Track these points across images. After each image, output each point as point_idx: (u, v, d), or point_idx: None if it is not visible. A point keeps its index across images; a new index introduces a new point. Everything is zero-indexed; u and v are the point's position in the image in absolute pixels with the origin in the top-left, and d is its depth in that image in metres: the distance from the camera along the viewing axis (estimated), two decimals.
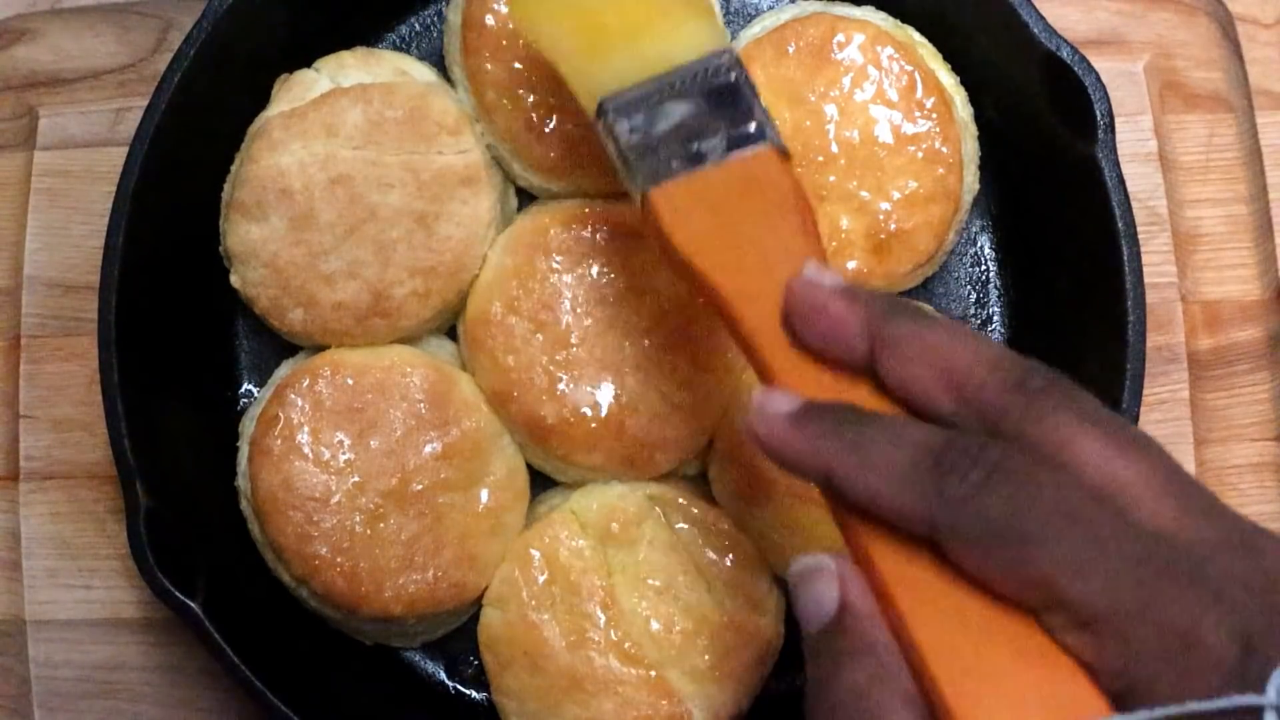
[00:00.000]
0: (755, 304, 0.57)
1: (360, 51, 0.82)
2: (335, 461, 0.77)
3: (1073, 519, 0.45)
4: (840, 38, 0.79)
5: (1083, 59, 0.75)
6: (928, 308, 0.78)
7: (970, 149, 0.81)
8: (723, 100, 0.65)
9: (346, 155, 0.78)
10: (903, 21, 0.82)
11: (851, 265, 0.78)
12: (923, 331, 0.51)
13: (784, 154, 0.64)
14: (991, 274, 0.85)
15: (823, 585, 0.51)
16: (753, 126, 0.64)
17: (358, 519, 0.76)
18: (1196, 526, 0.45)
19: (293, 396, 0.77)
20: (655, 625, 0.76)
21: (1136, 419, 0.74)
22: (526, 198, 0.84)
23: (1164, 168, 0.87)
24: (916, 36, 0.81)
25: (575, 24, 0.68)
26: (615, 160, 0.66)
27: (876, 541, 0.49)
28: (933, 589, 0.47)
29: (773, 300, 0.56)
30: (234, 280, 0.79)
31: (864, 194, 0.78)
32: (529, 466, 0.81)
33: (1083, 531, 0.45)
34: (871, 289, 0.54)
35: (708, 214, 0.62)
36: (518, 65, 0.79)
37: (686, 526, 0.78)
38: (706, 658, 0.76)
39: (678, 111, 0.65)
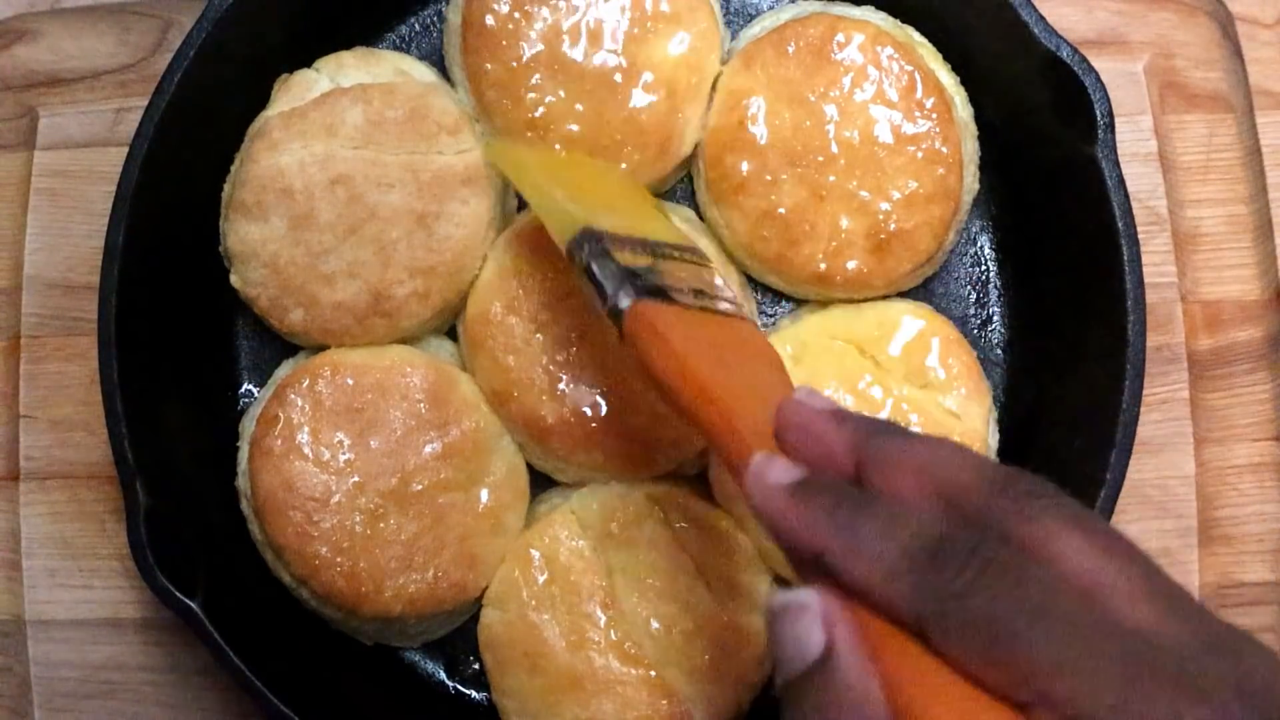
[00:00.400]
0: (747, 417, 0.57)
1: (360, 51, 0.82)
2: (335, 461, 0.77)
3: (1058, 617, 0.45)
4: (840, 38, 0.79)
5: (1083, 59, 0.75)
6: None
7: (970, 149, 0.81)
8: (700, 277, 0.69)
9: (346, 155, 0.78)
10: (903, 21, 0.82)
11: (851, 265, 0.79)
12: (908, 445, 0.52)
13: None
14: (991, 274, 0.85)
15: (806, 624, 0.50)
16: (732, 299, 0.69)
17: (358, 519, 0.76)
18: (1178, 628, 0.46)
19: (293, 396, 0.77)
20: (655, 625, 0.76)
21: (1136, 419, 0.74)
22: None
23: (1164, 168, 0.87)
24: (916, 36, 0.81)
25: (557, 180, 0.72)
26: (592, 275, 0.66)
27: (872, 624, 0.49)
28: (929, 669, 0.47)
29: (763, 417, 0.57)
30: (234, 280, 0.79)
31: (864, 194, 0.78)
32: (529, 466, 0.81)
33: (1067, 629, 0.45)
34: (860, 414, 0.55)
35: (698, 337, 0.63)
36: (518, 65, 0.79)
37: (686, 526, 0.78)
38: (706, 658, 0.76)
39: (660, 262, 0.68)
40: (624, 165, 0.79)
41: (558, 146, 0.79)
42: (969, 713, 0.46)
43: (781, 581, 0.80)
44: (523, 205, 0.84)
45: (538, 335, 0.78)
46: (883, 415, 0.77)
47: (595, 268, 0.66)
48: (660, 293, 0.65)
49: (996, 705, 0.45)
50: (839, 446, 0.53)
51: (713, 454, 0.80)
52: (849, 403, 0.78)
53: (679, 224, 0.80)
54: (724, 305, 0.68)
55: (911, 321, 0.79)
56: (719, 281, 0.72)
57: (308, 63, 0.81)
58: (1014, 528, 0.48)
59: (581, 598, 0.76)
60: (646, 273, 0.66)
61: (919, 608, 0.47)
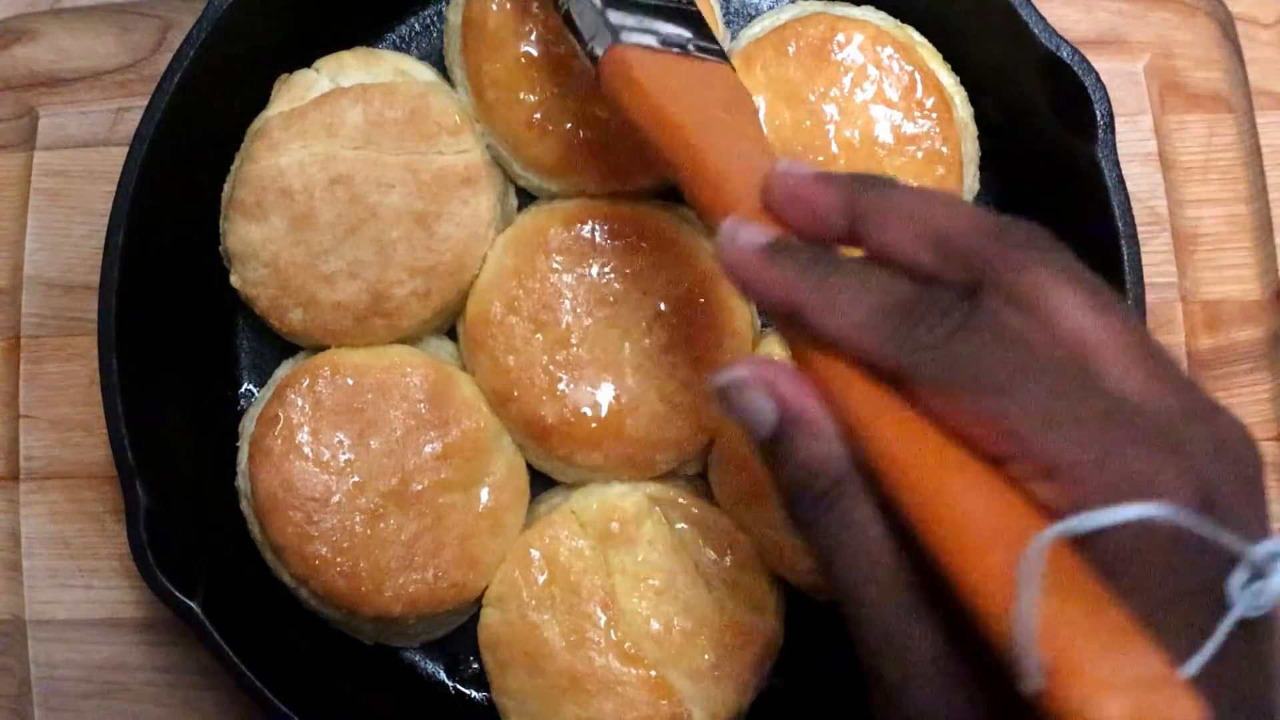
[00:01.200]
0: (732, 176, 0.56)
1: (360, 51, 0.82)
2: (335, 461, 0.77)
3: (1043, 373, 0.45)
4: (840, 38, 0.79)
5: (1083, 59, 0.75)
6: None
7: (970, 149, 0.81)
8: (686, 18, 0.68)
9: (346, 155, 0.78)
10: (903, 21, 0.82)
11: None
12: (900, 196, 0.52)
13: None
14: None
15: (750, 396, 0.51)
16: (716, 45, 0.67)
17: (358, 519, 0.76)
18: (1161, 394, 0.46)
19: (293, 396, 0.77)
20: (655, 625, 0.76)
21: None
22: (526, 198, 0.84)
23: (1164, 168, 0.87)
24: (916, 36, 0.81)
25: None
26: (572, 21, 0.65)
27: (845, 376, 0.49)
28: (901, 417, 0.47)
29: (748, 178, 0.56)
30: (234, 280, 0.79)
31: None
32: (529, 466, 0.81)
33: (1051, 386, 0.45)
34: (846, 172, 0.55)
35: (681, 85, 0.62)
36: (518, 65, 0.79)
37: (686, 526, 0.78)
38: (706, 657, 0.76)
39: (640, 5, 0.66)
40: (621, 166, 0.79)
41: None
42: (939, 455, 0.45)
43: (781, 581, 0.80)
44: (523, 205, 0.84)
45: (538, 335, 0.78)
46: None
47: (574, 12, 0.65)
48: (642, 35, 0.63)
49: (967, 455, 0.45)
50: (830, 206, 0.52)
51: (713, 453, 0.80)
52: None
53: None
54: (707, 51, 0.66)
55: None
56: (700, 22, 0.69)
57: (308, 63, 0.81)
58: (1006, 276, 0.47)
59: (581, 598, 0.76)
60: (627, 16, 0.65)
61: (894, 357, 0.47)
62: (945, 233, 0.50)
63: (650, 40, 0.64)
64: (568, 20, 0.66)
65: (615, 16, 0.65)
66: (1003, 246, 0.49)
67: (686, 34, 0.67)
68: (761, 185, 0.55)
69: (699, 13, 0.70)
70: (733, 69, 0.67)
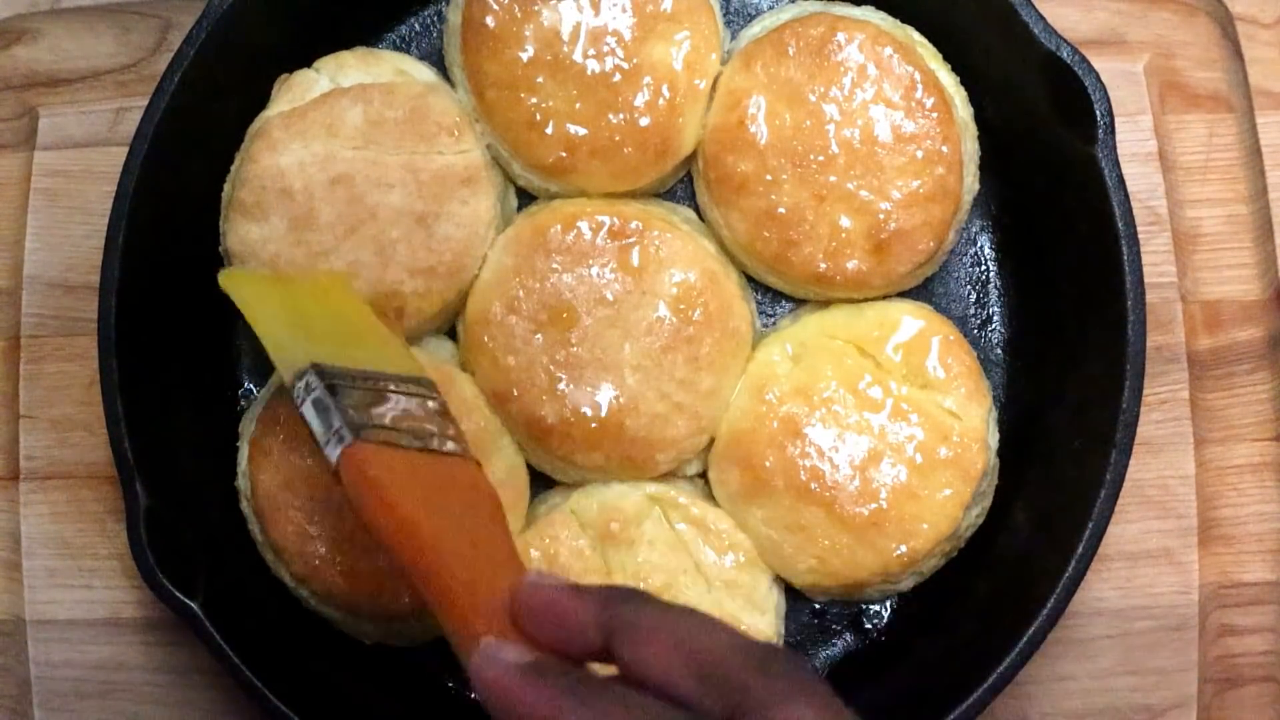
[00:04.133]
0: (477, 587, 0.56)
1: (360, 51, 0.82)
2: None
3: None
4: (840, 38, 0.79)
5: (1083, 59, 0.75)
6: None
7: (970, 149, 0.81)
8: (428, 411, 0.66)
9: (346, 155, 0.78)
10: (903, 21, 0.82)
11: (851, 265, 0.79)
12: (657, 613, 0.51)
13: (480, 469, 0.65)
14: (991, 274, 0.85)
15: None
16: (454, 441, 0.65)
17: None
18: None
19: None
20: None
21: (1136, 419, 0.74)
22: (526, 198, 0.84)
23: (1164, 168, 0.87)
24: (916, 36, 0.81)
25: (287, 311, 0.69)
26: (313, 411, 0.64)
27: None
28: None
29: (496, 590, 0.55)
30: None
31: (864, 194, 0.78)
32: (529, 466, 0.81)
33: None
34: (600, 584, 0.54)
35: (423, 487, 0.61)
36: (518, 65, 0.79)
37: (686, 526, 0.78)
38: None
39: (382, 399, 0.65)
40: (621, 166, 0.80)
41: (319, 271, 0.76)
42: None
43: (782, 581, 0.80)
44: (523, 205, 0.84)
45: (538, 335, 0.78)
46: (882, 415, 0.77)
47: (311, 410, 0.63)
48: (380, 433, 0.62)
49: None
50: (584, 621, 0.51)
51: (713, 453, 0.80)
52: (849, 402, 0.78)
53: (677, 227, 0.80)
54: (450, 445, 0.65)
55: (911, 321, 0.79)
56: (443, 413, 0.68)
57: (308, 63, 0.81)
58: (766, 709, 0.46)
59: None
60: (366, 412, 0.63)
61: None
62: (704, 656, 0.48)
63: (391, 437, 0.63)
64: (303, 416, 0.64)
65: (354, 414, 0.63)
66: (764, 676, 0.47)
67: (430, 427, 0.65)
68: (512, 597, 0.54)
69: (443, 402, 0.68)
70: (478, 464, 0.66)
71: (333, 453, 0.62)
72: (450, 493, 0.62)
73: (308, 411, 0.64)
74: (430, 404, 0.68)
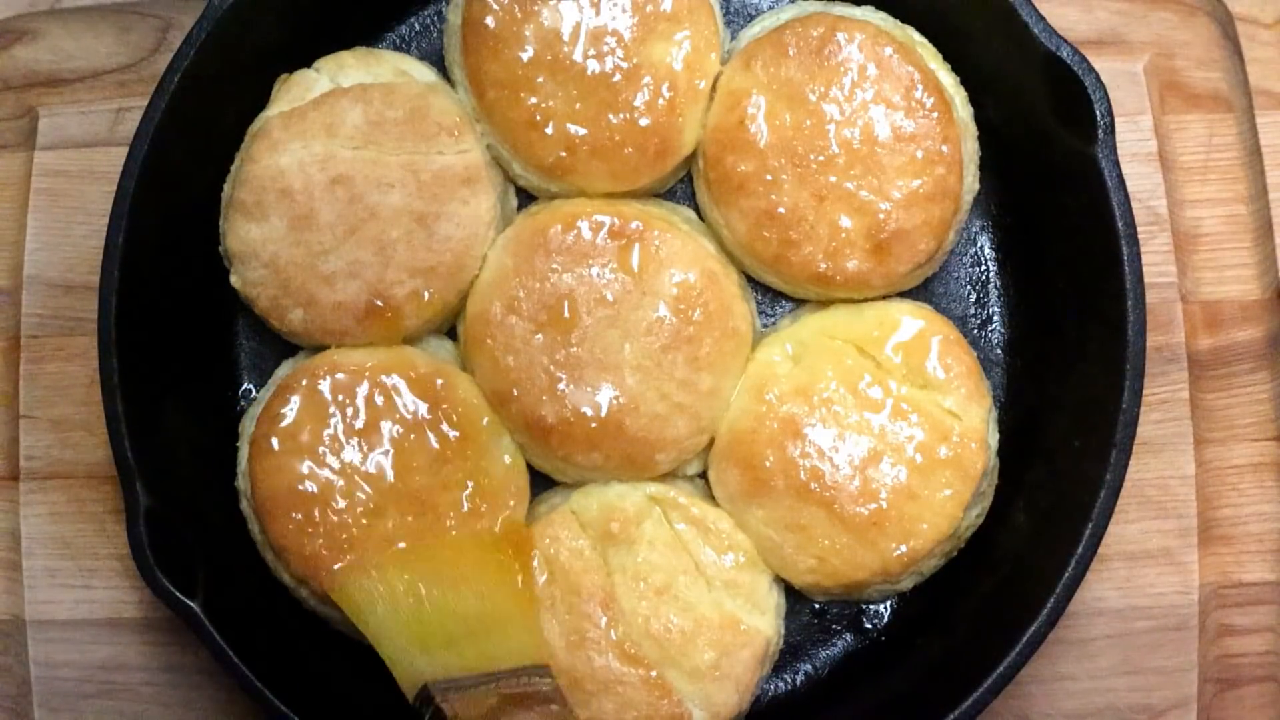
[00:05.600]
0: None
1: (360, 51, 0.82)
2: (335, 461, 0.77)
3: None
4: (840, 37, 0.79)
5: (1083, 59, 0.75)
6: None
7: (970, 149, 0.81)
8: (536, 703, 0.71)
9: (346, 155, 0.78)
10: (903, 21, 0.82)
11: (851, 265, 0.79)
12: None
13: None
14: (991, 274, 0.85)
15: None
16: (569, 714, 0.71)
17: (357, 518, 0.76)
18: None
19: (292, 397, 0.77)
20: (655, 625, 0.76)
21: (1136, 419, 0.74)
22: (526, 198, 0.84)
23: (1164, 168, 0.87)
24: (916, 36, 0.81)
25: (404, 618, 0.72)
26: None
27: None
28: None
29: None
30: (234, 280, 0.79)
31: (864, 194, 0.78)
32: (529, 466, 0.81)
33: None
34: None
35: None
36: (518, 65, 0.79)
37: (686, 526, 0.78)
38: (706, 657, 0.76)
39: (499, 706, 0.70)
40: (621, 166, 0.80)
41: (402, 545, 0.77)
42: None
43: (782, 581, 0.80)
44: (523, 205, 0.84)
45: (538, 335, 0.78)
46: (882, 415, 0.77)
47: None
48: None
49: None
50: None
51: (713, 453, 0.80)
52: (849, 402, 0.78)
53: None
54: None
55: (911, 322, 0.79)
56: (557, 699, 0.73)
57: (308, 63, 0.81)
58: None
59: (581, 598, 0.76)
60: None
61: None
62: None
63: None
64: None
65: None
66: None
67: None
68: None
69: (556, 686, 0.73)
70: None
71: None
72: None
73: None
74: (542, 691, 0.72)
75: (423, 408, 0.78)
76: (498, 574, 0.76)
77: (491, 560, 0.76)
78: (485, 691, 0.70)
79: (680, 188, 0.85)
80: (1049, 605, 0.73)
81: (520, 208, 0.84)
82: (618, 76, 0.79)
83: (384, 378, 0.78)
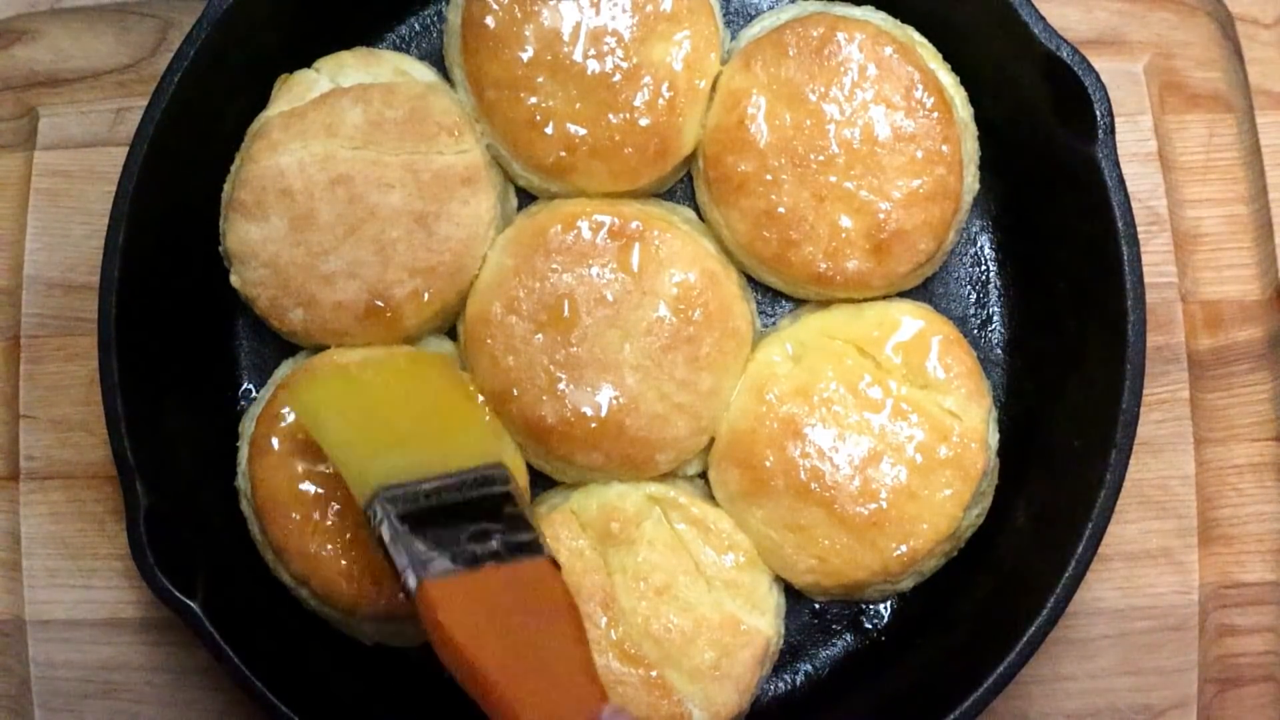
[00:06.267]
0: (539, 710, 0.59)
1: (360, 51, 0.82)
2: None
3: None
4: (840, 37, 0.79)
5: (1083, 59, 0.75)
6: None
7: (970, 149, 0.81)
8: (497, 508, 0.69)
9: (346, 155, 0.78)
10: (903, 21, 0.82)
11: (851, 265, 0.79)
12: None
13: (556, 565, 0.67)
14: (991, 274, 0.85)
15: None
16: (528, 536, 0.68)
17: (357, 518, 0.76)
18: None
19: None
20: (655, 625, 0.76)
21: (1136, 419, 0.74)
22: (526, 198, 0.84)
23: (1164, 168, 0.87)
24: (916, 36, 0.81)
25: (355, 420, 0.71)
26: (384, 548, 0.67)
27: None
28: None
29: (554, 707, 0.59)
30: (234, 280, 0.79)
31: (864, 194, 0.78)
32: (529, 466, 0.81)
33: None
34: None
35: (487, 614, 0.63)
36: (518, 65, 0.79)
37: (686, 526, 0.78)
38: (706, 657, 0.76)
39: (452, 512, 0.68)
40: (621, 166, 0.80)
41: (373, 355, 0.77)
42: None
43: (782, 581, 0.80)
44: (523, 205, 0.84)
45: (538, 335, 0.78)
46: (882, 415, 0.77)
47: (386, 539, 0.66)
48: (448, 562, 0.65)
49: None
50: None
51: (713, 453, 0.80)
52: (849, 402, 0.78)
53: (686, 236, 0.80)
54: (523, 540, 0.68)
55: (911, 322, 0.79)
56: (516, 501, 0.71)
57: (308, 63, 0.81)
58: None
59: (581, 598, 0.76)
60: (435, 539, 0.66)
61: None
62: None
63: (459, 565, 0.65)
64: (380, 544, 0.67)
65: (421, 546, 0.66)
66: None
67: (494, 543, 0.67)
68: None
69: (517, 488, 0.71)
70: (553, 563, 0.68)
71: (410, 582, 0.65)
72: (524, 610, 0.65)
73: (380, 537, 0.67)
74: (501, 495, 0.70)
75: None
76: (449, 377, 0.77)
77: (443, 367, 0.77)
78: (438, 503, 0.68)
79: (680, 188, 0.85)
80: (1049, 605, 0.73)
81: (520, 208, 0.84)
82: (618, 76, 0.79)
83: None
